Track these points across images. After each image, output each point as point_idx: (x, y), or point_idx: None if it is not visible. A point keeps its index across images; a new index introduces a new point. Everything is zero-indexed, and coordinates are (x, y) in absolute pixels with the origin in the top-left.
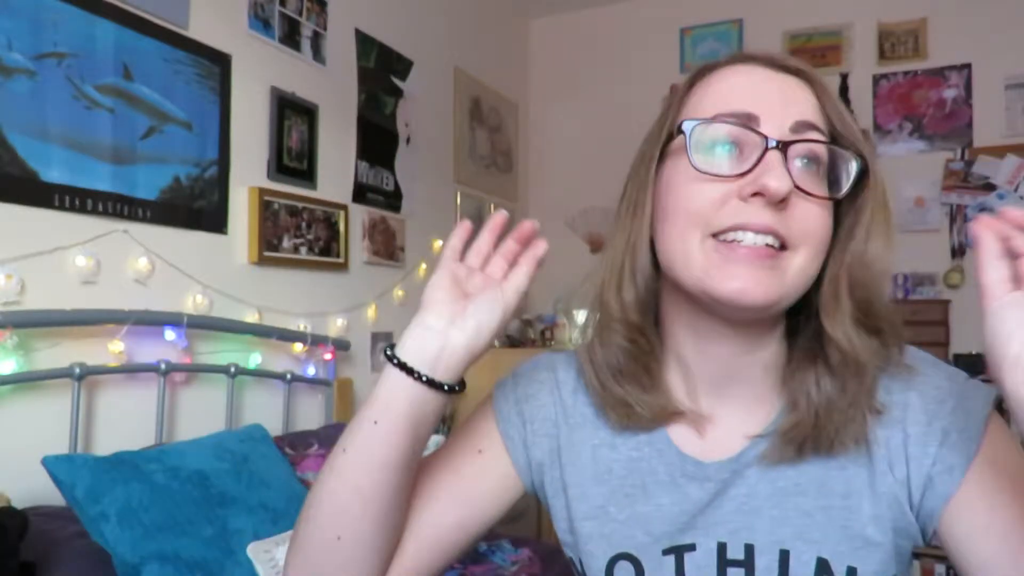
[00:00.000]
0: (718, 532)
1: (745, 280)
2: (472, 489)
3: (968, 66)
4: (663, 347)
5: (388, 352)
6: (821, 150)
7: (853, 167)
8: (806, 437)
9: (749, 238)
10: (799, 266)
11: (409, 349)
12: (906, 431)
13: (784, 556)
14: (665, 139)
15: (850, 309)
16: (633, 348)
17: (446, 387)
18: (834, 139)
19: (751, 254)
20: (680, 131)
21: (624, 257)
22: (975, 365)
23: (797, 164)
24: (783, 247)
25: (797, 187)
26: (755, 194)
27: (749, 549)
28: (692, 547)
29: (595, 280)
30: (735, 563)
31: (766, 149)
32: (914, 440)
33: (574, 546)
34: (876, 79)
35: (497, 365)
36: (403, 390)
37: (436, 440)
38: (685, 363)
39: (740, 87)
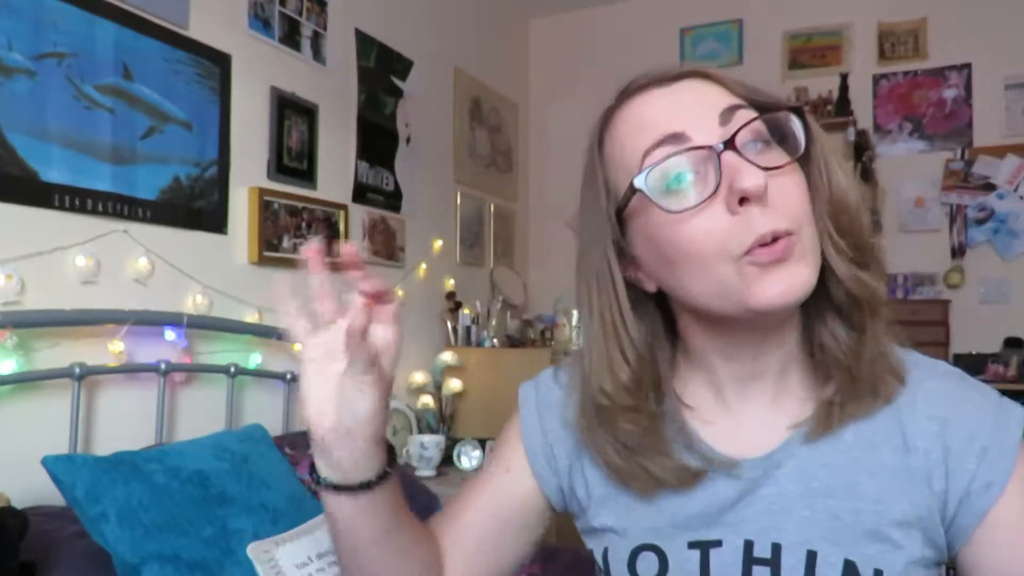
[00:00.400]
0: (746, 530)
1: (783, 283)
2: (505, 508)
3: (968, 66)
4: (684, 371)
5: (313, 476)
6: (759, 125)
7: (796, 123)
8: (845, 400)
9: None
10: (809, 242)
11: (322, 467)
12: (946, 445)
13: (811, 557)
14: (618, 202)
15: (844, 248)
16: (639, 421)
17: (360, 484)
18: (760, 108)
19: (779, 248)
20: (634, 190)
21: (607, 341)
22: (975, 365)
23: (749, 149)
24: (789, 233)
25: (766, 167)
26: (741, 200)
27: (776, 548)
28: (718, 543)
29: (582, 365)
30: (761, 561)
31: (718, 156)
32: (954, 455)
33: (597, 538)
34: (876, 79)
35: (497, 365)
36: (336, 504)
37: (436, 441)
38: (711, 370)
39: (648, 113)
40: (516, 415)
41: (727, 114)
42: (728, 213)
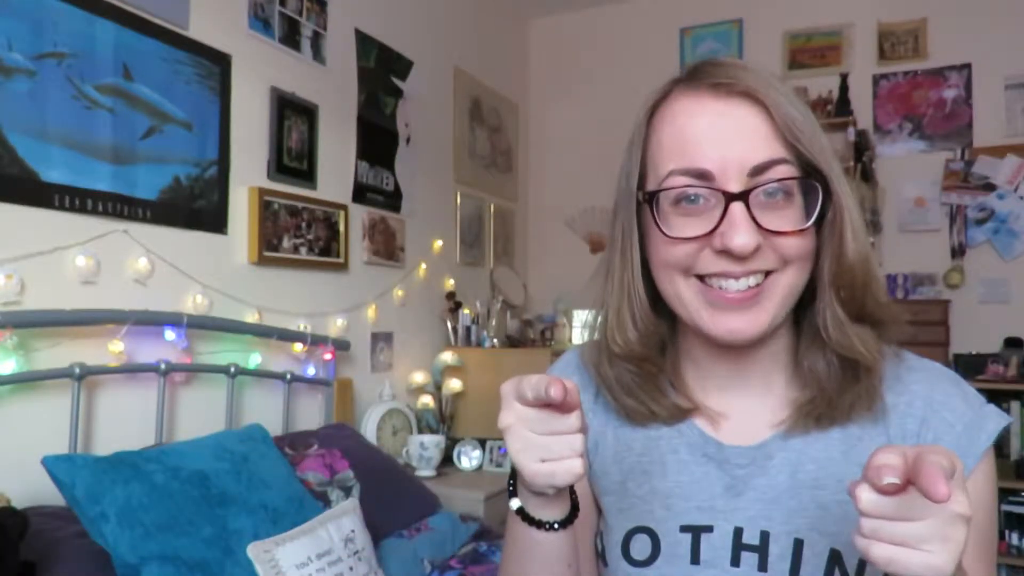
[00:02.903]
0: (736, 518)
1: (735, 322)
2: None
3: (968, 66)
4: (678, 352)
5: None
6: (785, 181)
7: (817, 194)
8: (821, 413)
9: (733, 284)
10: (788, 284)
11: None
12: (920, 442)
13: (798, 545)
14: (637, 195)
15: (841, 311)
16: (641, 371)
17: (556, 525)
18: (799, 157)
19: (739, 300)
20: (646, 196)
21: (621, 301)
22: (975, 365)
23: (762, 197)
24: (767, 273)
25: (767, 230)
26: (724, 251)
27: (764, 536)
28: (710, 528)
29: (599, 309)
30: (749, 548)
31: (727, 203)
32: None
33: (596, 523)
34: (876, 79)
35: (499, 365)
36: (526, 534)
37: (436, 441)
38: (699, 364)
39: (691, 136)
40: None
41: (760, 168)
42: (711, 250)
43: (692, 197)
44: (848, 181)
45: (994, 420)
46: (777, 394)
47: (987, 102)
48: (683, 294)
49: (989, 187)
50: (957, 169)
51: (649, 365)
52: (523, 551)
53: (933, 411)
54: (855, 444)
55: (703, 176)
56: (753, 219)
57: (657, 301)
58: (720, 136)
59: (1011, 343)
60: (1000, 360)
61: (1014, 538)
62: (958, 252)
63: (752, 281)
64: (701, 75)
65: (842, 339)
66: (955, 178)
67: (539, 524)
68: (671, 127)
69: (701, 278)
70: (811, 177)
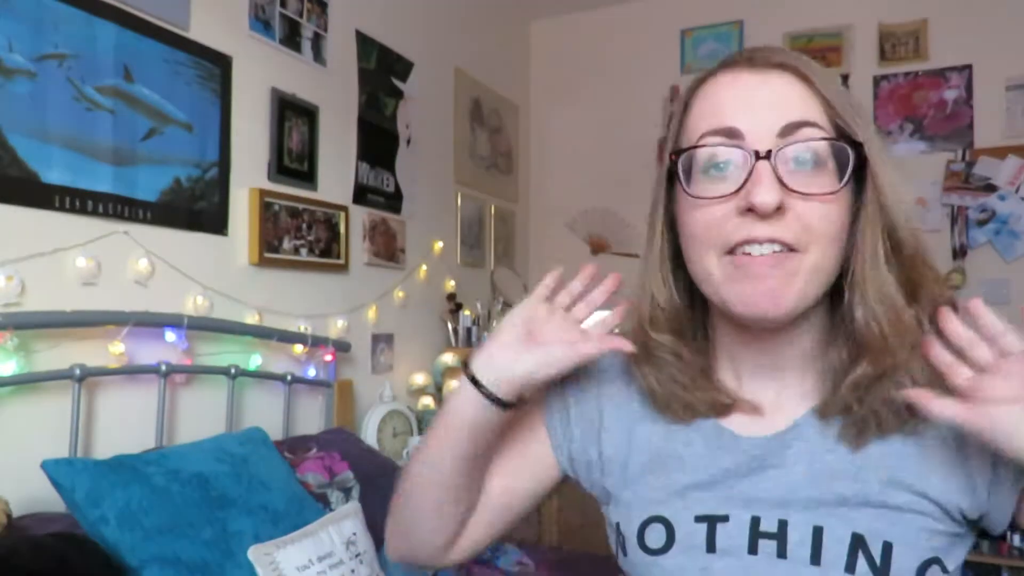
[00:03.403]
0: (753, 507)
1: (756, 296)
2: (520, 468)
3: (969, 67)
4: (714, 345)
5: (464, 364)
6: (818, 144)
7: (850, 156)
8: (843, 419)
9: (756, 249)
10: (812, 265)
11: (479, 365)
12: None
13: (818, 532)
14: (668, 165)
15: (889, 285)
16: (678, 362)
17: (504, 403)
18: (836, 127)
19: (761, 265)
20: (672, 160)
21: (652, 287)
22: None
23: (791, 166)
24: (792, 250)
25: (792, 190)
26: (749, 209)
27: (783, 524)
28: (725, 518)
29: (635, 296)
30: (767, 535)
31: (755, 161)
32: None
33: (614, 511)
34: (877, 80)
35: None
36: (469, 401)
37: None
38: (732, 354)
39: (725, 100)
40: (539, 407)
41: (791, 128)
42: (736, 214)
43: (720, 165)
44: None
45: None
46: (809, 387)
47: (988, 103)
48: (712, 270)
49: (990, 188)
50: (958, 170)
51: (686, 352)
52: (454, 426)
53: None
54: (878, 460)
55: (733, 134)
56: (779, 179)
57: (693, 293)
58: (752, 99)
59: None
60: None
61: (1016, 539)
62: (959, 253)
63: (776, 248)
64: (738, 54)
65: (862, 314)
66: (956, 179)
67: (491, 396)
68: (707, 99)
69: (730, 253)
70: (843, 140)
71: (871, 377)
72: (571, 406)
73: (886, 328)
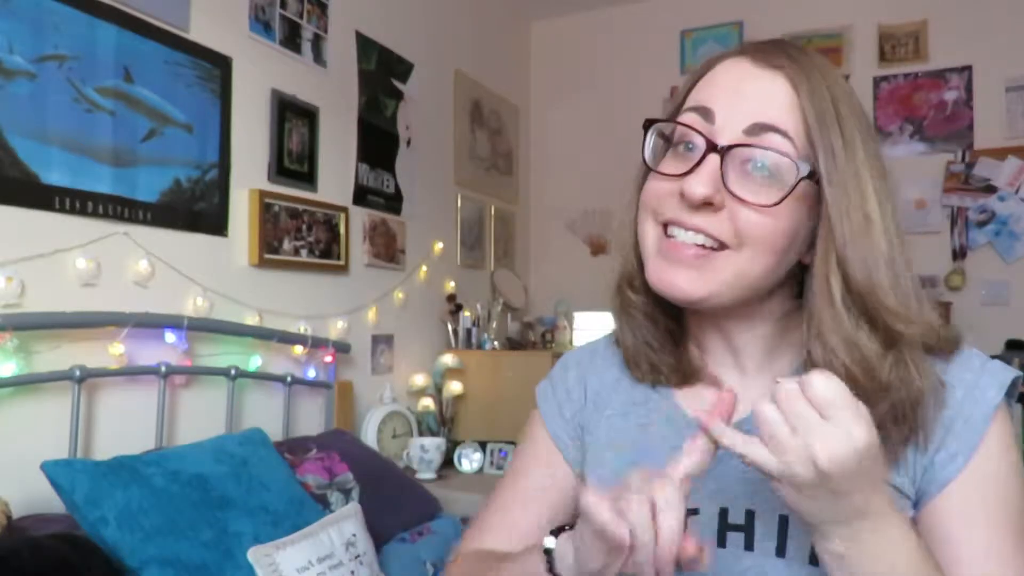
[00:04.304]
0: (720, 499)
1: (673, 276)
2: (562, 506)
3: (969, 68)
4: (685, 318)
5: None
6: (772, 154)
7: (794, 178)
8: None
9: (681, 234)
10: (737, 265)
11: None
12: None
13: (783, 521)
14: (644, 130)
15: (845, 315)
16: (649, 323)
17: None
18: (809, 140)
19: (681, 252)
20: (647, 122)
21: (627, 253)
22: None
23: (748, 168)
24: (721, 246)
25: (729, 191)
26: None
27: (750, 515)
28: (695, 511)
29: (618, 268)
30: (735, 528)
31: (705, 151)
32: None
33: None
34: (877, 81)
35: (498, 366)
36: None
37: (437, 443)
38: (698, 340)
39: (718, 82)
40: (536, 415)
41: (757, 128)
42: (677, 194)
43: (689, 145)
44: (882, 189)
45: (999, 375)
46: (775, 370)
47: (988, 104)
48: (646, 237)
49: (990, 189)
50: (958, 171)
51: (660, 315)
52: None
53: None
54: None
55: (707, 115)
56: (723, 176)
57: None
58: (738, 89)
59: (1012, 345)
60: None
61: None
62: (959, 254)
63: (700, 240)
64: (757, 46)
65: (828, 353)
66: (956, 180)
67: None
68: (706, 79)
69: (664, 228)
70: (798, 160)
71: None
72: (568, 418)
73: (857, 374)
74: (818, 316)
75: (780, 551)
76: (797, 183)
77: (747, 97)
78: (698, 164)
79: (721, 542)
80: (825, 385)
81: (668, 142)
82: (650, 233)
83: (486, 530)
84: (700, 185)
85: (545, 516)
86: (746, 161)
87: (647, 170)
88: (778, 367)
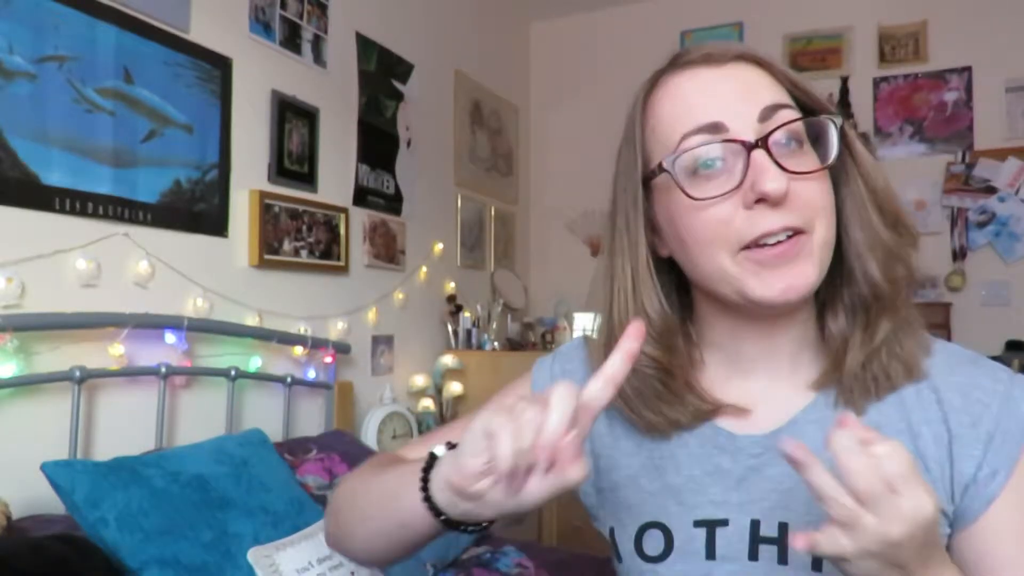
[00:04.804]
0: (752, 510)
1: (785, 281)
2: None
3: (968, 69)
4: (699, 340)
5: (424, 480)
6: (796, 124)
7: (832, 130)
8: (841, 397)
9: (771, 239)
10: (821, 241)
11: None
12: (950, 431)
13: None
14: (644, 173)
15: (875, 247)
16: (661, 374)
17: (478, 528)
18: (801, 106)
19: (781, 254)
20: (663, 169)
21: (636, 299)
22: None
23: (781, 150)
24: (801, 232)
25: (792, 172)
26: (758, 200)
27: (783, 528)
28: (725, 522)
29: (607, 312)
30: (768, 540)
31: (748, 152)
32: (958, 441)
33: (604, 517)
34: (876, 82)
35: (497, 367)
36: (423, 520)
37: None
38: (723, 349)
39: (696, 98)
40: (525, 378)
41: (768, 111)
42: (743, 207)
43: (708, 162)
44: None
45: None
46: (802, 376)
47: (988, 105)
48: (727, 268)
49: (990, 190)
50: (958, 172)
51: (674, 368)
52: (399, 522)
53: (960, 395)
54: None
55: (716, 129)
56: (777, 163)
57: (668, 296)
58: (723, 92)
59: (1012, 346)
60: (1002, 363)
61: None
62: (959, 255)
63: (789, 233)
64: (688, 55)
65: (871, 272)
66: (956, 181)
67: (457, 525)
68: (670, 102)
69: (745, 249)
70: (819, 114)
71: (884, 331)
72: None
73: (889, 276)
74: (857, 236)
75: (816, 565)
76: (839, 135)
77: (737, 93)
78: (748, 168)
79: (753, 555)
80: (894, 458)
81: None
82: (731, 262)
83: (426, 443)
84: (777, 179)
85: None
86: (778, 143)
87: (645, 219)
88: (806, 364)
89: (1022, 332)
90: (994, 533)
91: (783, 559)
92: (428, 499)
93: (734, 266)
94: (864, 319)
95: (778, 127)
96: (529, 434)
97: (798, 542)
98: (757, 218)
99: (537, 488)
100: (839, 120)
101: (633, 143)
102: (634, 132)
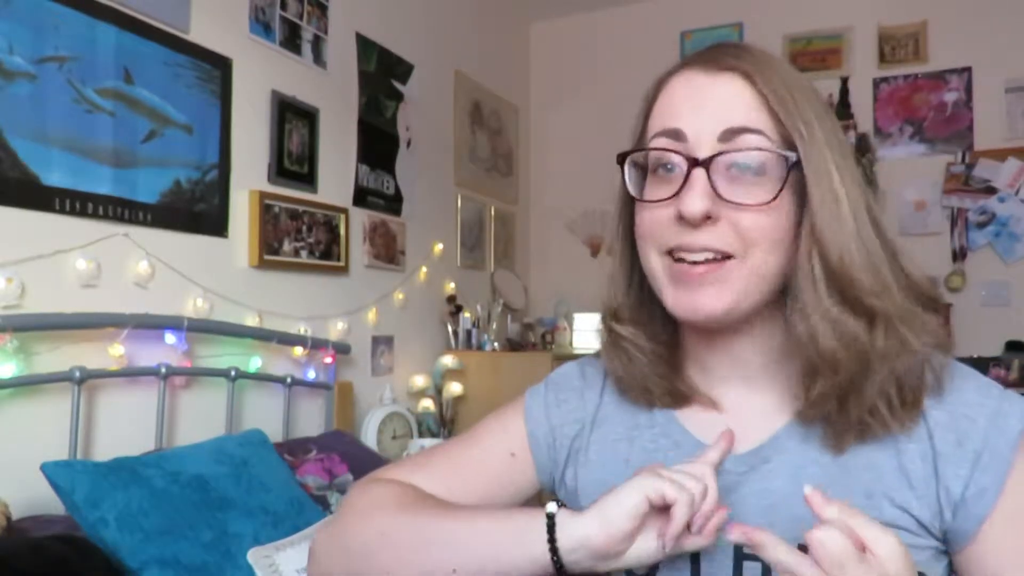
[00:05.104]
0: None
1: (694, 298)
2: (502, 492)
3: (968, 69)
4: (683, 344)
5: (552, 541)
6: (754, 153)
7: (782, 166)
8: (824, 426)
9: (690, 258)
10: (749, 269)
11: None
12: (936, 449)
13: (801, 551)
14: (619, 162)
15: (825, 295)
16: (640, 352)
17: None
18: (782, 131)
19: (693, 274)
20: (620, 162)
21: (617, 285)
22: (977, 369)
23: (733, 172)
24: (727, 257)
25: (725, 199)
26: (680, 217)
27: None
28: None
29: (604, 301)
30: (752, 557)
31: (690, 168)
32: (943, 459)
33: None
34: (876, 82)
35: (498, 368)
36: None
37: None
38: (700, 360)
39: (676, 101)
40: (518, 405)
41: (729, 134)
42: (674, 218)
43: (668, 166)
44: (853, 170)
45: (1018, 403)
46: (782, 391)
47: (988, 105)
48: (655, 269)
49: (990, 190)
50: (958, 172)
51: (649, 344)
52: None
53: (946, 411)
54: (862, 471)
55: (677, 136)
56: (713, 188)
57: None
58: (699, 101)
59: (1012, 346)
60: (1002, 364)
61: None
62: (959, 255)
63: (709, 255)
64: (690, 56)
65: (809, 325)
66: (956, 181)
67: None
68: (663, 99)
69: (670, 254)
70: (783, 149)
71: (836, 388)
72: (555, 426)
73: (835, 348)
74: (801, 297)
75: None
76: (788, 173)
77: (710, 106)
78: (685, 182)
79: (738, 572)
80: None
81: (644, 170)
82: (657, 264)
83: (428, 471)
84: (697, 201)
85: (486, 496)
86: (730, 166)
87: (628, 202)
88: (784, 375)
89: (1022, 332)
90: (994, 554)
91: (767, 575)
92: (556, 555)
93: (660, 269)
94: (815, 372)
95: (728, 152)
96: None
97: (732, 533)
98: (681, 231)
99: (690, 544)
100: (798, 160)
101: (637, 130)
102: (641, 119)
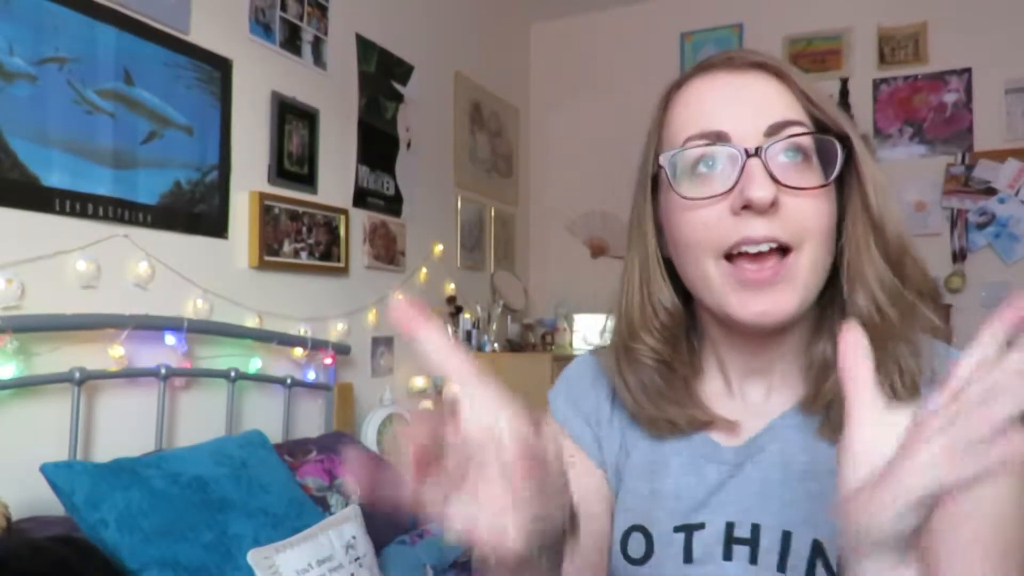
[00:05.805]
0: (728, 512)
1: (762, 305)
2: (587, 502)
3: (968, 70)
4: (700, 349)
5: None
6: (804, 139)
7: (838, 150)
8: (826, 413)
9: (753, 248)
10: (808, 263)
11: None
12: None
13: (786, 537)
14: (653, 169)
15: (882, 269)
16: (667, 373)
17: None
18: (817, 124)
19: (763, 276)
20: (660, 166)
21: (642, 290)
22: None
23: (782, 160)
24: (786, 250)
25: (784, 185)
26: (745, 207)
27: (755, 528)
28: (702, 526)
29: (618, 305)
30: (741, 541)
31: (744, 159)
32: None
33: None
34: (876, 83)
35: (498, 369)
36: None
37: None
38: (720, 357)
39: (707, 103)
40: (548, 412)
41: (776, 128)
42: (731, 213)
43: (709, 162)
44: (868, 153)
45: None
46: (792, 385)
47: (987, 106)
48: (711, 275)
49: (990, 191)
50: (958, 173)
51: (676, 365)
52: None
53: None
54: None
55: (720, 137)
56: (771, 175)
57: (678, 296)
58: (735, 101)
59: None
60: None
61: None
62: (959, 256)
63: (773, 244)
64: (711, 59)
65: (863, 304)
66: (956, 182)
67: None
68: (685, 106)
69: (728, 259)
70: (828, 135)
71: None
72: (588, 421)
73: (889, 311)
74: (857, 268)
75: (781, 566)
76: (842, 156)
77: (748, 104)
78: (742, 174)
79: (727, 556)
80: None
81: (674, 176)
82: (714, 271)
83: None
84: (764, 188)
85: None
86: (781, 155)
87: (650, 217)
88: (795, 373)
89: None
90: (951, 529)
91: (753, 559)
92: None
93: (717, 276)
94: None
95: (780, 140)
96: None
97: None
98: (741, 224)
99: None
100: (849, 142)
101: (651, 139)
102: (654, 129)
